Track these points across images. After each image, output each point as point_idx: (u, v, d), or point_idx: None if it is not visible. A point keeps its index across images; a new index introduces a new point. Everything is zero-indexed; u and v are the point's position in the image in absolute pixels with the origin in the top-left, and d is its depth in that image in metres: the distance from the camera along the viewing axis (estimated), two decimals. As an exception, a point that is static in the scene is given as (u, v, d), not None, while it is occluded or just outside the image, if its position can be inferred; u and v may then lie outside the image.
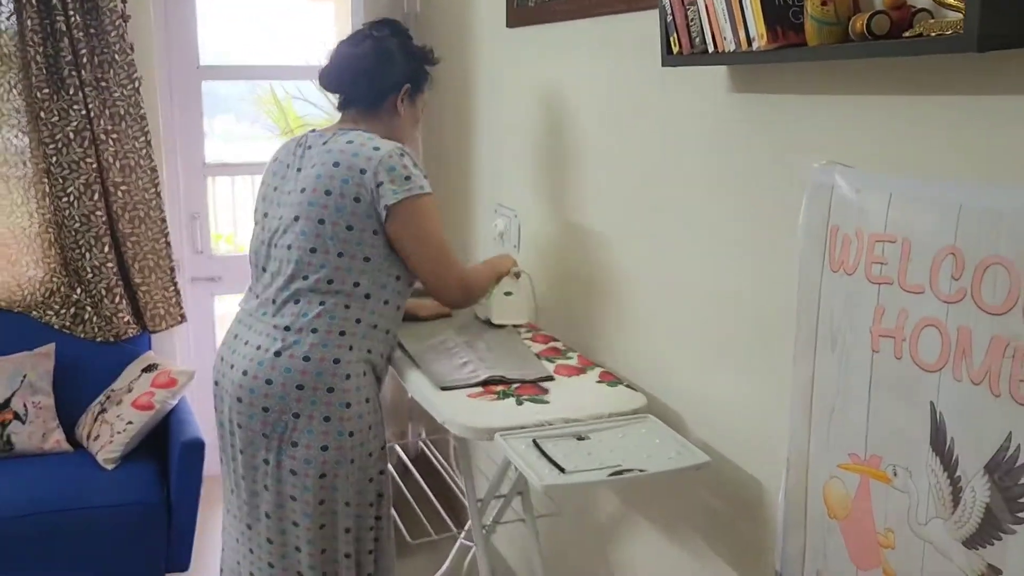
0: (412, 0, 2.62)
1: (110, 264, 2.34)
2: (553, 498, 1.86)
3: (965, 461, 0.88)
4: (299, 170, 1.50)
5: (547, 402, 1.46)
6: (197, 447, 2.05)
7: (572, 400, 1.47)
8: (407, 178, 1.44)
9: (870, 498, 1.01)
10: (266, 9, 3.48)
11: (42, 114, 2.24)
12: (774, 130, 1.20)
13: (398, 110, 1.58)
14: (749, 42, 1.08)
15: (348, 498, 1.50)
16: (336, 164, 1.44)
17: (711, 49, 1.16)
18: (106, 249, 2.33)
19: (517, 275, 1.81)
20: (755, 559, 1.32)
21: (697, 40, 1.19)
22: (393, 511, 1.64)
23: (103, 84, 2.29)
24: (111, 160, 2.32)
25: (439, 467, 2.12)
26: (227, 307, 2.71)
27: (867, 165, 1.03)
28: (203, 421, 2.17)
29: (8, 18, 2.22)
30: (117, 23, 2.27)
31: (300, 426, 1.44)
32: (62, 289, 2.36)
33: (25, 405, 2.18)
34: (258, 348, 1.47)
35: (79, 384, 2.29)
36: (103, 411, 2.21)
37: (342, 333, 1.46)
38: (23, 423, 2.16)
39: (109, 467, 2.11)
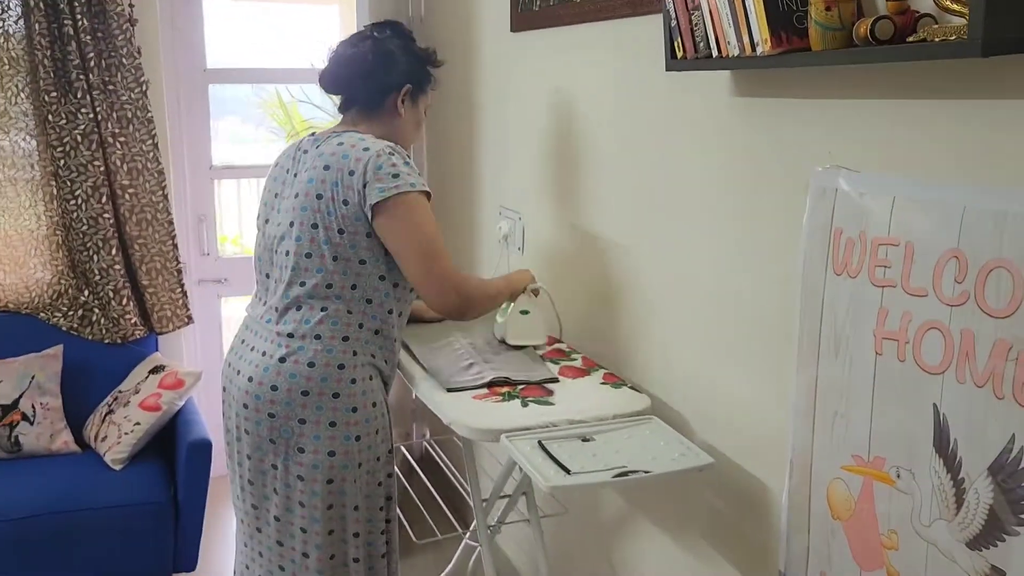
0: (417, 4, 2.64)
1: (117, 266, 2.36)
2: (558, 499, 1.86)
3: (968, 463, 0.88)
4: (296, 175, 1.50)
5: (552, 404, 1.47)
6: (204, 448, 2.06)
7: (577, 402, 1.48)
8: (394, 175, 1.40)
9: (873, 499, 1.02)
10: (271, 13, 3.50)
11: (50, 117, 2.26)
12: (778, 134, 1.21)
13: (398, 110, 1.55)
14: (753, 47, 1.09)
15: (357, 502, 1.49)
16: (327, 167, 1.43)
17: (715, 54, 1.16)
18: (113, 251, 2.35)
19: (535, 292, 1.72)
20: (759, 560, 1.32)
21: (701, 45, 1.19)
22: (398, 511, 1.64)
23: (111, 87, 2.30)
24: (118, 163, 2.33)
25: (444, 468, 2.13)
26: (233, 309, 2.73)
27: (871, 168, 1.04)
28: (210, 422, 2.18)
29: (16, 22, 2.23)
30: (124, 27, 2.29)
31: (307, 432, 1.44)
32: (70, 291, 2.37)
33: (33, 406, 2.20)
34: (263, 354, 1.47)
35: (87, 385, 2.31)
36: (111, 412, 2.22)
37: (345, 339, 1.45)
38: (31, 424, 2.18)
39: (117, 468, 2.12)
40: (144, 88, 2.34)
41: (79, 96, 2.25)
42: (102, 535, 2.00)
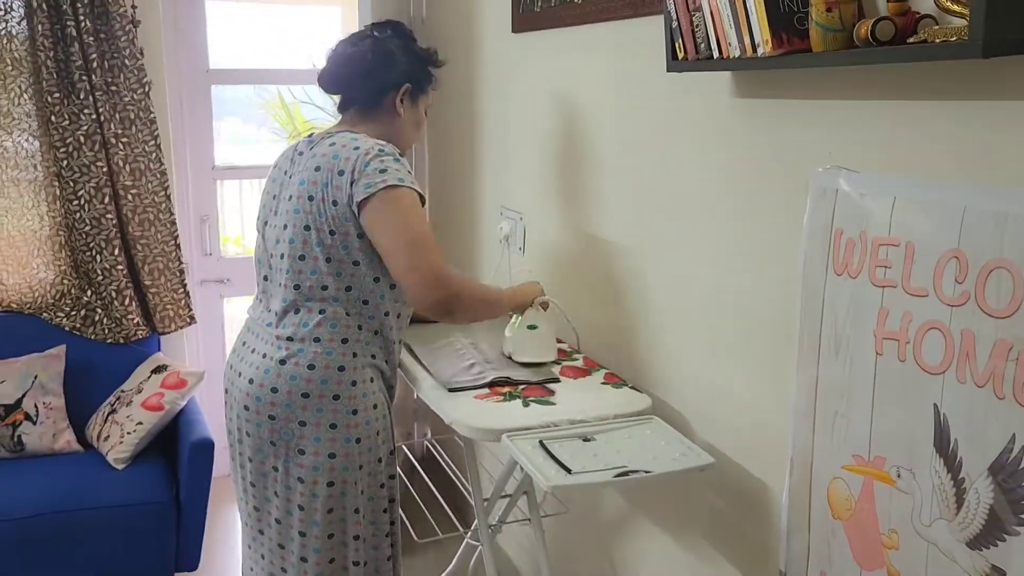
0: (418, 5, 2.64)
1: (120, 266, 2.36)
2: (559, 498, 1.87)
3: (969, 463, 0.89)
4: (291, 177, 1.49)
5: (553, 403, 1.47)
6: (206, 447, 2.06)
7: (578, 402, 1.48)
8: (381, 171, 1.37)
9: (874, 499, 1.02)
10: (273, 14, 3.51)
11: (53, 118, 2.26)
12: (779, 134, 1.21)
13: (397, 110, 1.54)
14: (754, 48, 1.09)
15: (358, 505, 1.49)
16: (317, 168, 1.42)
17: (716, 55, 1.17)
18: (116, 252, 2.35)
19: (544, 305, 1.62)
20: (759, 559, 1.33)
21: (702, 46, 1.20)
22: (400, 511, 1.65)
23: (113, 88, 2.31)
24: (121, 163, 2.34)
25: (445, 467, 2.13)
26: (236, 309, 2.73)
27: (871, 169, 1.04)
28: (212, 422, 2.19)
29: (19, 23, 2.24)
30: (127, 28, 2.29)
31: (307, 434, 1.44)
32: (73, 291, 2.38)
33: (36, 406, 2.20)
34: (264, 356, 1.46)
35: (89, 385, 2.31)
36: (113, 412, 2.23)
37: (344, 341, 1.45)
38: (34, 424, 2.19)
39: (119, 467, 2.13)
40: (147, 89, 2.34)
41: (82, 97, 2.26)
42: (104, 535, 2.00)
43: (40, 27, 2.20)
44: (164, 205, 2.41)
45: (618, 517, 1.77)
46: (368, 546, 1.53)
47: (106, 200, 2.32)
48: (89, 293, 2.38)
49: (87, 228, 2.34)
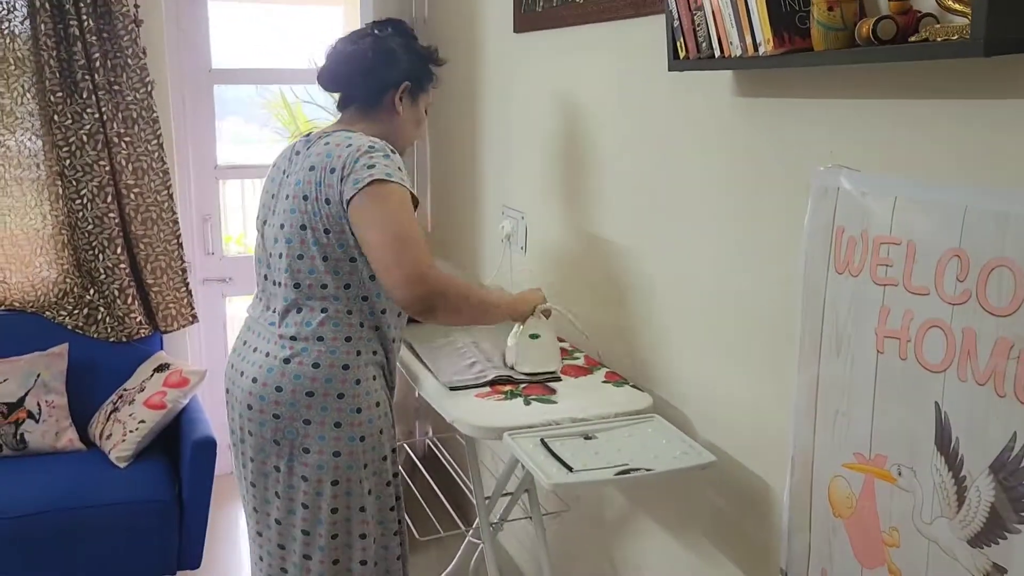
0: (420, 4, 2.65)
1: (123, 265, 2.37)
2: (561, 496, 1.87)
3: (970, 461, 0.89)
4: (288, 176, 1.49)
5: (554, 402, 1.47)
6: (209, 446, 2.07)
7: (579, 400, 1.48)
8: (369, 167, 1.36)
9: (875, 497, 1.02)
10: (276, 14, 3.51)
11: (55, 117, 2.27)
12: (780, 134, 1.21)
13: (397, 108, 1.53)
14: (755, 47, 1.09)
15: (363, 504, 1.49)
16: (311, 168, 1.42)
17: (717, 54, 1.17)
18: (119, 250, 2.36)
19: (546, 313, 1.57)
20: (760, 558, 1.33)
21: (704, 45, 1.20)
22: (402, 509, 1.65)
23: (116, 88, 2.32)
24: (124, 163, 2.35)
25: (447, 465, 2.13)
26: (238, 308, 2.74)
27: (872, 168, 1.05)
28: (214, 420, 2.19)
29: (22, 22, 2.25)
30: (130, 27, 2.30)
31: (311, 432, 1.44)
32: (75, 290, 2.39)
33: (39, 404, 2.21)
34: (267, 355, 1.46)
35: (92, 383, 2.32)
36: (116, 410, 2.23)
37: (348, 339, 1.45)
38: (37, 422, 2.19)
39: (122, 465, 2.13)
40: (149, 88, 2.35)
41: (85, 96, 2.27)
42: (107, 533, 2.00)
43: (43, 26, 2.21)
44: (166, 204, 2.41)
45: (619, 515, 1.77)
46: (378, 546, 1.53)
47: (109, 199, 2.33)
48: (92, 292, 2.38)
49: (90, 227, 2.34)
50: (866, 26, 0.95)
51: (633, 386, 1.56)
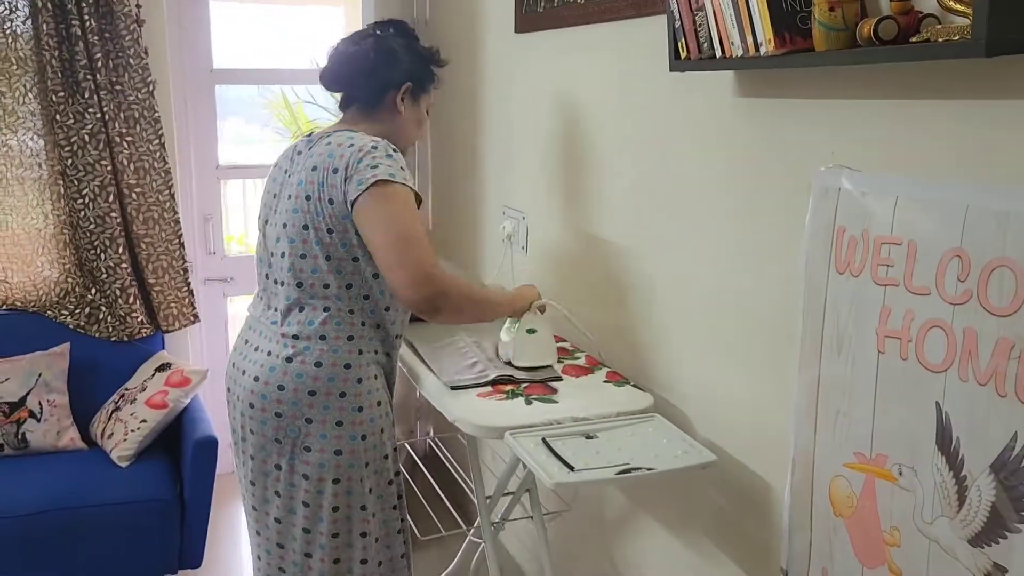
0: (422, 5, 2.65)
1: (124, 265, 2.37)
2: (562, 496, 1.87)
3: (971, 460, 0.89)
4: (290, 176, 1.50)
5: (556, 401, 1.48)
6: (210, 445, 2.07)
7: (580, 399, 1.49)
8: (373, 167, 1.37)
9: (875, 497, 1.02)
10: (277, 14, 3.51)
11: (57, 117, 2.27)
12: (781, 134, 1.22)
13: (398, 108, 1.54)
14: (757, 47, 1.09)
15: (365, 503, 1.49)
16: (314, 168, 1.43)
17: (719, 54, 1.17)
18: (120, 250, 2.36)
19: (541, 309, 1.61)
20: (761, 557, 1.33)
21: (705, 45, 1.20)
22: (404, 508, 1.65)
23: (118, 88, 2.32)
24: (126, 162, 2.35)
25: (448, 465, 2.14)
26: (239, 308, 2.74)
27: (873, 168, 1.05)
28: (216, 419, 2.19)
29: (24, 22, 2.25)
30: (132, 27, 2.30)
31: (313, 431, 1.44)
32: (77, 289, 2.39)
33: (40, 403, 2.21)
34: (269, 354, 1.47)
35: (93, 383, 2.32)
36: (117, 409, 2.24)
37: (350, 338, 1.46)
38: (38, 421, 2.20)
39: (123, 465, 2.14)
40: (151, 88, 2.35)
41: (86, 96, 2.27)
42: (108, 532, 2.01)
43: (45, 26, 2.21)
44: (168, 204, 2.42)
45: (620, 515, 1.77)
46: (381, 545, 1.53)
47: (110, 199, 2.33)
48: (93, 291, 2.39)
49: (91, 227, 2.35)
50: (867, 26, 0.95)
51: (634, 386, 1.57)
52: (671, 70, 1.30)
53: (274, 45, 3.56)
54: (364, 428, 1.47)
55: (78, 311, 2.38)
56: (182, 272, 2.47)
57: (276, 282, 1.51)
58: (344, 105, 1.59)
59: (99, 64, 2.27)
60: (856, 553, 1.07)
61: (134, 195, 2.37)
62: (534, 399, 1.48)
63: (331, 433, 1.45)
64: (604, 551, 1.84)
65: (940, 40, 0.88)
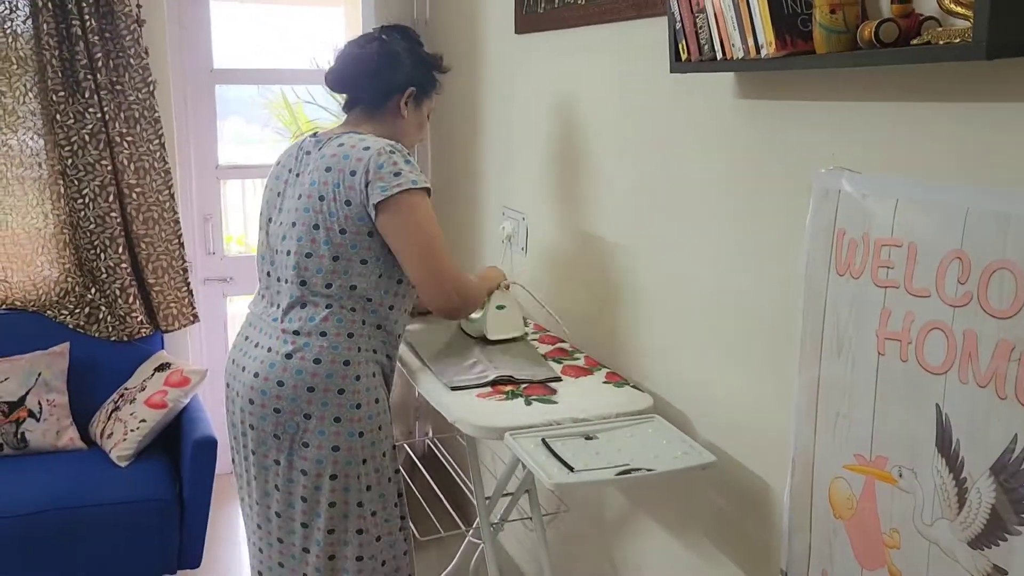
0: (422, 6, 2.65)
1: (124, 265, 2.37)
2: (561, 497, 1.87)
3: (971, 462, 0.89)
4: (298, 175, 1.52)
5: (555, 402, 1.48)
6: (209, 445, 2.07)
7: (580, 400, 1.49)
8: (396, 174, 1.42)
9: (875, 498, 1.02)
10: (277, 14, 3.51)
11: (58, 117, 2.27)
12: (782, 136, 1.22)
13: (401, 112, 1.58)
14: (758, 49, 1.09)
15: (361, 498, 1.50)
16: (328, 169, 1.45)
17: (719, 56, 1.17)
18: (120, 250, 2.36)
19: (507, 287, 1.80)
20: (761, 559, 1.33)
21: (706, 47, 1.20)
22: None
23: (118, 87, 2.32)
24: (126, 162, 2.35)
25: (447, 466, 2.14)
26: (239, 307, 2.74)
27: (874, 170, 1.05)
28: (215, 419, 2.19)
29: (24, 22, 2.25)
30: (132, 27, 2.30)
31: (311, 427, 1.45)
32: (77, 289, 2.39)
33: (40, 403, 2.21)
34: (269, 350, 1.48)
35: (93, 382, 2.32)
36: (116, 409, 2.24)
37: (350, 335, 1.47)
38: (38, 421, 2.19)
39: (122, 464, 2.13)
40: (151, 88, 2.35)
41: (87, 96, 2.27)
42: (107, 532, 2.01)
43: (45, 26, 2.21)
44: (168, 204, 2.42)
45: (620, 515, 1.77)
46: (384, 544, 1.54)
47: (110, 199, 2.33)
48: (93, 291, 2.39)
49: (91, 226, 2.35)
50: (868, 29, 0.95)
51: (633, 386, 1.57)
52: (672, 71, 1.30)
53: (274, 45, 3.56)
54: (362, 425, 1.48)
55: (78, 311, 2.38)
56: (182, 272, 2.47)
57: (279, 279, 1.52)
58: (348, 107, 1.61)
59: (99, 64, 2.27)
60: (856, 555, 1.07)
61: (134, 195, 2.37)
62: (534, 400, 1.48)
63: (329, 429, 1.46)
64: (603, 552, 1.84)
65: (941, 42, 0.88)
